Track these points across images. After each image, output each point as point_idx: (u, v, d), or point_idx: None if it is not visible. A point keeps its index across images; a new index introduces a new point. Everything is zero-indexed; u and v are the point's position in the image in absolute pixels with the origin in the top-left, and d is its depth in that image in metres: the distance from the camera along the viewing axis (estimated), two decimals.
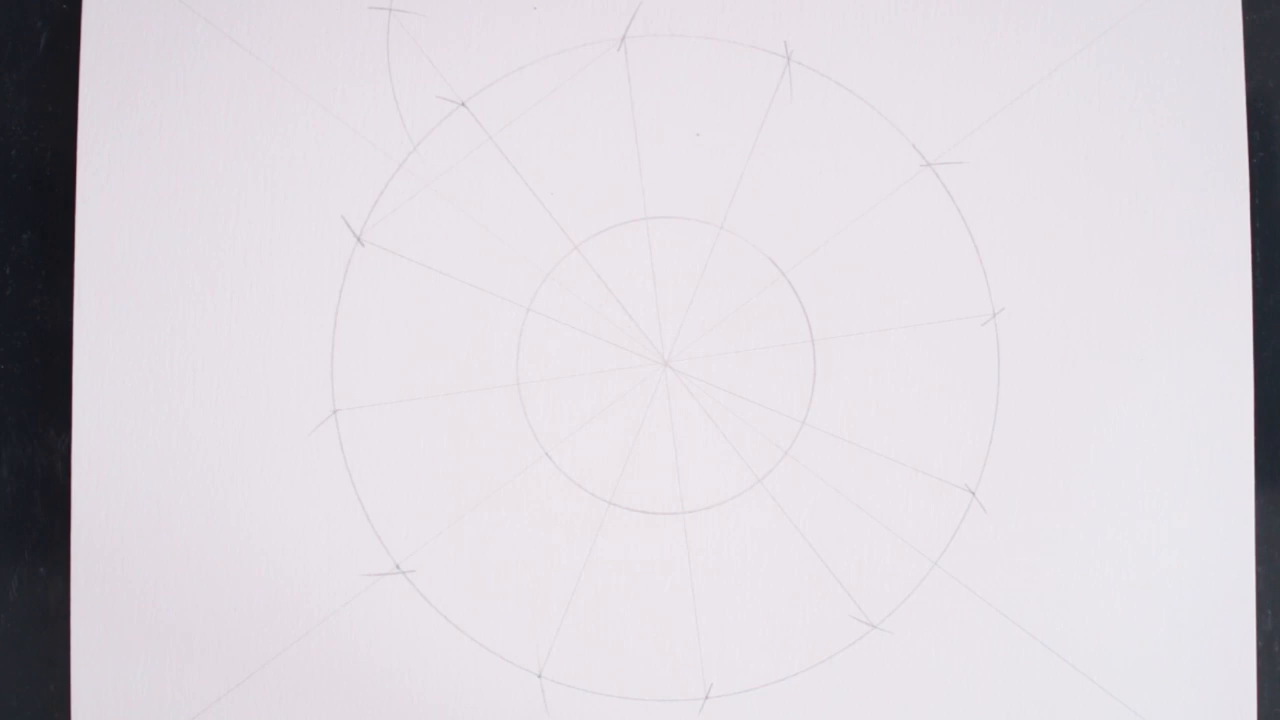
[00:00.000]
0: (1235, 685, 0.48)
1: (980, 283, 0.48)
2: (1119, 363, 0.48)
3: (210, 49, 0.48)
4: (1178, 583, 0.48)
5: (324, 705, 0.48)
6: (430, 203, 0.48)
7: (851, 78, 0.49)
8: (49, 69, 0.50)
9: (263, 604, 0.48)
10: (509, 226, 0.48)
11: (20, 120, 0.50)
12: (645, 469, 0.48)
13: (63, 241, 0.49)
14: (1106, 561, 0.48)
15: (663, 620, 0.48)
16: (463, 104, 0.48)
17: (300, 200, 0.48)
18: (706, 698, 0.48)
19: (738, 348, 0.48)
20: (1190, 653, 0.48)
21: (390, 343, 0.48)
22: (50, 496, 0.49)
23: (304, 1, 0.49)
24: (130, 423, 0.48)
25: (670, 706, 0.48)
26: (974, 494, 0.48)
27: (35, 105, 0.50)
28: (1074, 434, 0.48)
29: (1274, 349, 0.49)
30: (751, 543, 0.48)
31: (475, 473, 0.48)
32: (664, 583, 0.48)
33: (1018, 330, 0.48)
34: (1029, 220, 0.49)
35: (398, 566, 0.48)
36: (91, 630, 0.48)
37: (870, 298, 0.48)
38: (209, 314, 0.48)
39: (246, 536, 0.48)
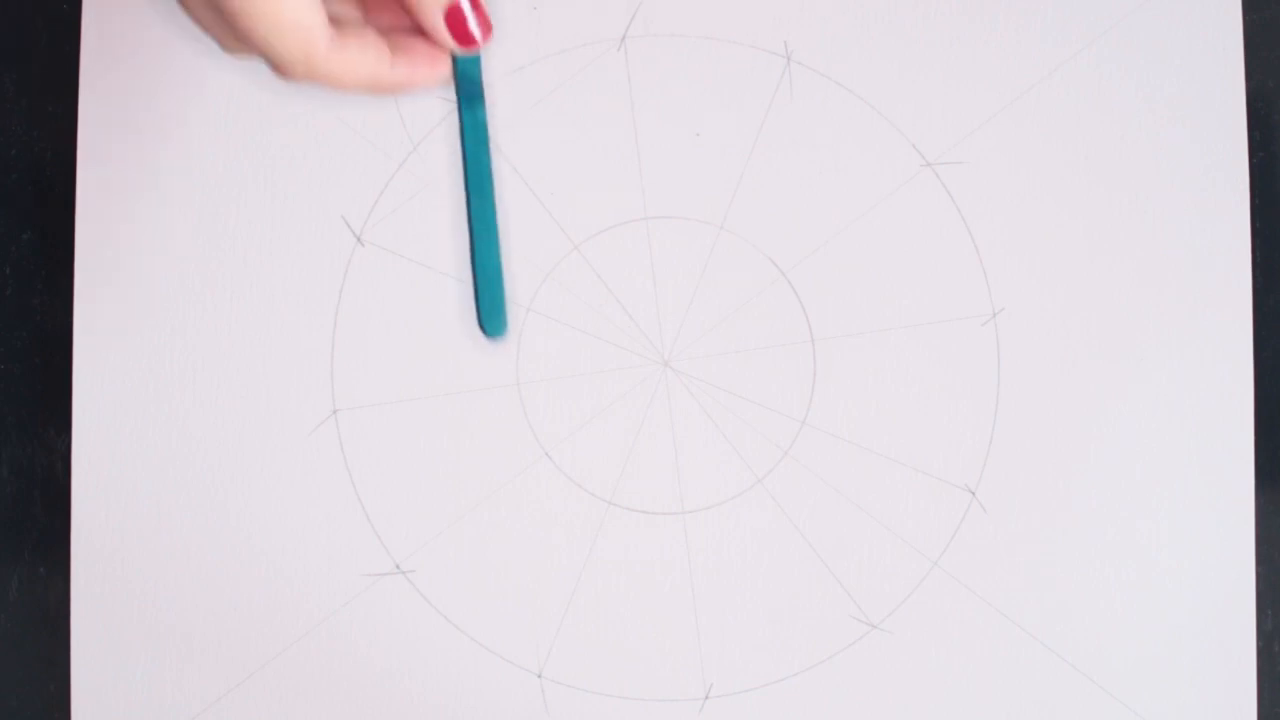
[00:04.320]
0: (1235, 685, 0.48)
1: (980, 283, 0.48)
2: (1119, 363, 0.48)
3: (210, 49, 0.48)
4: (1178, 583, 0.48)
5: (324, 705, 0.48)
6: (430, 203, 0.48)
7: (851, 78, 0.49)
8: (49, 69, 0.50)
9: (263, 604, 0.48)
10: (508, 226, 0.48)
11: (20, 120, 0.50)
12: (645, 469, 0.48)
13: (63, 241, 0.49)
14: (1106, 561, 0.48)
15: (663, 620, 0.48)
16: None
17: (300, 200, 0.48)
18: (706, 698, 0.48)
19: (738, 348, 0.48)
20: (1190, 653, 0.48)
21: (390, 343, 0.48)
22: (50, 496, 0.49)
23: None
24: (130, 423, 0.48)
25: (670, 706, 0.48)
26: (974, 494, 0.48)
27: (35, 105, 0.50)
28: (1074, 434, 0.48)
29: (1274, 349, 0.49)
30: (751, 543, 0.48)
31: (475, 473, 0.48)
32: (664, 583, 0.48)
33: (1018, 330, 0.48)
34: (1029, 220, 0.49)
35: (398, 566, 0.48)
36: (91, 630, 0.48)
37: (870, 298, 0.48)
38: (209, 314, 0.48)
39: (246, 536, 0.48)
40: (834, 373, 0.48)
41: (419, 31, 0.44)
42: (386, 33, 0.44)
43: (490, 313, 0.44)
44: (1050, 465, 0.48)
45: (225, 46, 0.40)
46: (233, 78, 0.48)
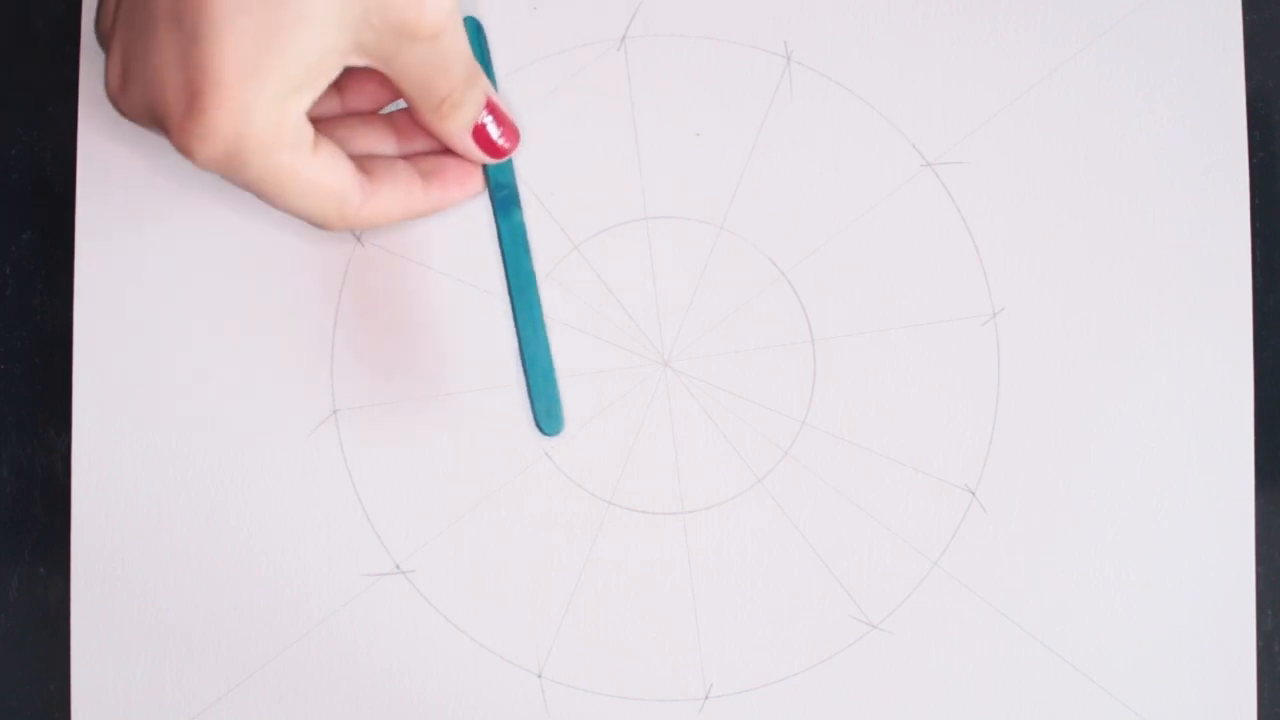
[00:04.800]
0: (1235, 685, 0.48)
1: (980, 283, 0.48)
2: (1119, 363, 0.48)
3: None
4: (1178, 583, 0.48)
5: (324, 705, 0.48)
6: None
7: (851, 78, 0.49)
8: (49, 69, 0.50)
9: (263, 604, 0.48)
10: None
11: (20, 120, 0.50)
12: (645, 469, 0.48)
13: (63, 241, 0.49)
14: (1106, 561, 0.48)
15: (663, 620, 0.48)
16: None
17: None
18: (706, 698, 0.48)
19: (738, 348, 0.48)
20: (1190, 653, 0.48)
21: (390, 343, 0.48)
22: (50, 496, 0.49)
23: None
24: (130, 423, 0.48)
25: (670, 706, 0.48)
26: (974, 494, 0.48)
27: (35, 105, 0.50)
28: (1074, 434, 0.48)
29: (1274, 349, 0.49)
30: (751, 543, 0.48)
31: (475, 473, 0.48)
32: (664, 583, 0.48)
33: (1018, 330, 0.48)
34: (1029, 220, 0.49)
35: (398, 566, 0.48)
36: (91, 630, 0.48)
37: (870, 298, 0.48)
38: (209, 314, 0.48)
39: (246, 536, 0.48)
40: (834, 373, 0.48)
41: (448, 150, 0.44)
42: (417, 158, 0.45)
43: (547, 414, 0.45)
44: (1050, 465, 0.48)
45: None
46: None
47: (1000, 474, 0.48)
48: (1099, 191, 0.48)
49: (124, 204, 0.48)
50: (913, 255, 0.48)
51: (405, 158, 0.44)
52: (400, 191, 0.43)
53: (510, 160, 0.47)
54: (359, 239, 0.48)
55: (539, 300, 0.46)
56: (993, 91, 0.49)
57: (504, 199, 0.45)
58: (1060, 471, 0.48)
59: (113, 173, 0.48)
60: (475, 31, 0.48)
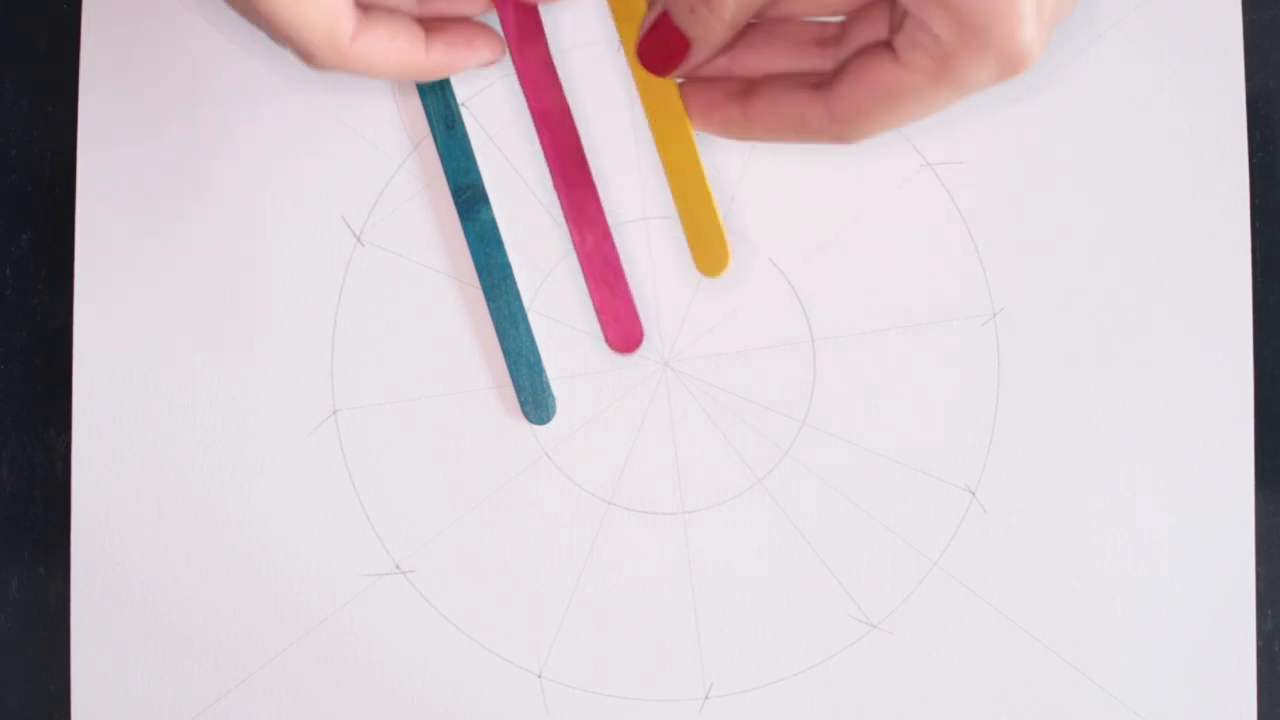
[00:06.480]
0: (1235, 685, 0.48)
1: (980, 283, 0.48)
2: (1119, 363, 0.48)
3: (210, 49, 0.48)
4: (1178, 583, 0.48)
5: (324, 705, 0.48)
6: (430, 203, 0.48)
7: None
8: (49, 69, 0.50)
9: (263, 604, 0.48)
10: (509, 226, 0.48)
11: (20, 120, 0.50)
12: (645, 469, 0.48)
13: (63, 241, 0.49)
14: (1106, 561, 0.48)
15: (663, 620, 0.48)
16: (463, 104, 0.48)
17: (300, 200, 0.48)
18: (706, 698, 0.48)
19: (738, 348, 0.48)
20: (1190, 653, 0.48)
21: (390, 343, 0.48)
22: (50, 496, 0.49)
23: None
24: (130, 423, 0.48)
25: (670, 706, 0.48)
26: (974, 494, 0.48)
27: (35, 105, 0.50)
28: (1074, 434, 0.48)
29: (1274, 349, 0.49)
30: (751, 543, 0.48)
31: (475, 473, 0.48)
32: (664, 583, 0.48)
33: (1018, 330, 0.48)
34: (1029, 220, 0.49)
35: (398, 566, 0.48)
36: (91, 630, 0.48)
37: (870, 298, 0.48)
38: (209, 314, 0.48)
39: (246, 536, 0.48)
40: (834, 373, 0.48)
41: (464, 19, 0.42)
42: (427, 19, 0.42)
43: (534, 404, 0.45)
44: (1050, 465, 0.48)
45: (270, 37, 0.38)
46: (233, 77, 0.48)
47: (1000, 474, 0.48)
48: (1099, 191, 0.48)
49: (124, 204, 0.48)
50: (913, 255, 0.48)
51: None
52: (400, 41, 0.40)
53: (474, 161, 0.47)
54: (359, 239, 0.48)
55: (517, 293, 0.46)
56: (993, 91, 0.49)
57: (467, 200, 0.45)
58: (1060, 471, 0.48)
59: (113, 173, 0.48)
60: None
